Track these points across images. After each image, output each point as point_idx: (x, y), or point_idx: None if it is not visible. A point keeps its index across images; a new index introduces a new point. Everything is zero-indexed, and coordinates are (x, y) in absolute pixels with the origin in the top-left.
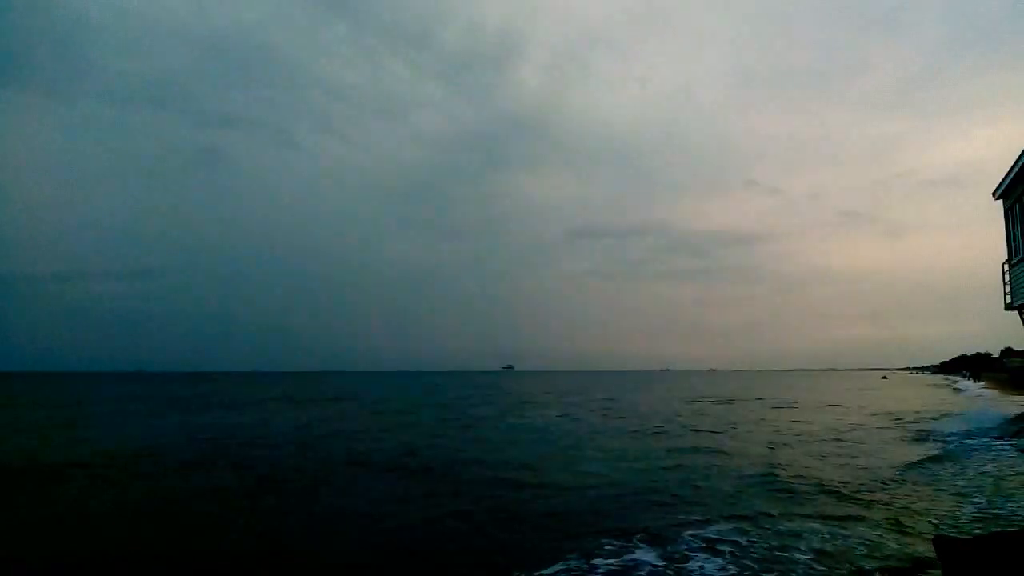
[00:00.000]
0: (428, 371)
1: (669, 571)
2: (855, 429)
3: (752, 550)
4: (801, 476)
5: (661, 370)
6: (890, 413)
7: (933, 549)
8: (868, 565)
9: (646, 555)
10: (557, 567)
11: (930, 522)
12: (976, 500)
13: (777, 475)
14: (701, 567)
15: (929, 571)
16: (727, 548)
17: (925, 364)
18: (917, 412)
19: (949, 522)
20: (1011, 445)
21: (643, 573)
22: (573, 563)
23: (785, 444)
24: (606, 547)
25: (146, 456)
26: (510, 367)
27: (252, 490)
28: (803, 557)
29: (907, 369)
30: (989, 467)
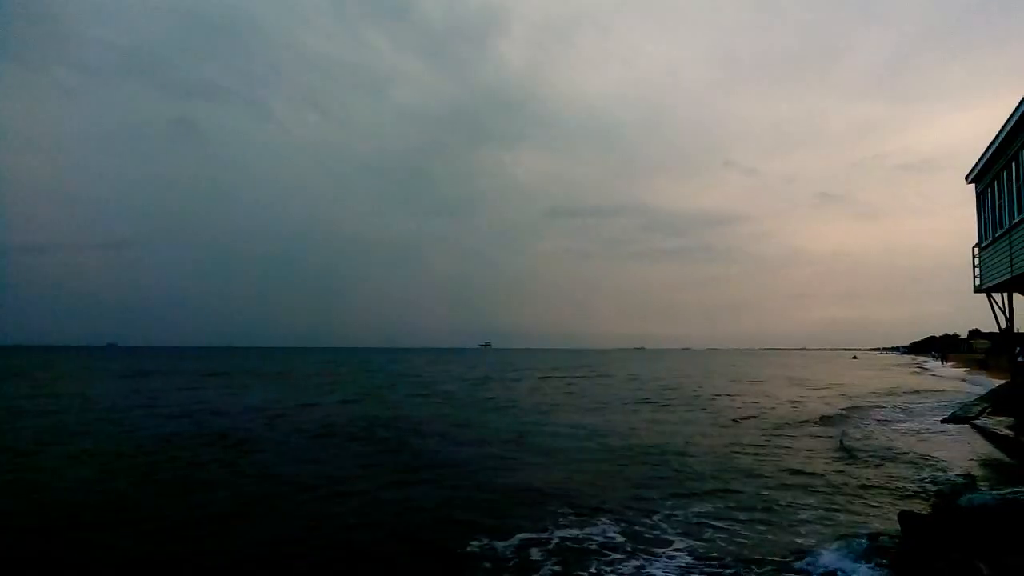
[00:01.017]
0: (405, 348)
1: (622, 540)
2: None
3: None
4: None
5: (636, 348)
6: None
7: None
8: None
9: (595, 526)
10: (520, 536)
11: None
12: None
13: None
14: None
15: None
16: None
17: (896, 345)
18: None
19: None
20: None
21: (596, 543)
22: (531, 533)
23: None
24: (565, 518)
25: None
26: (488, 344)
27: (223, 457)
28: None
29: (878, 349)
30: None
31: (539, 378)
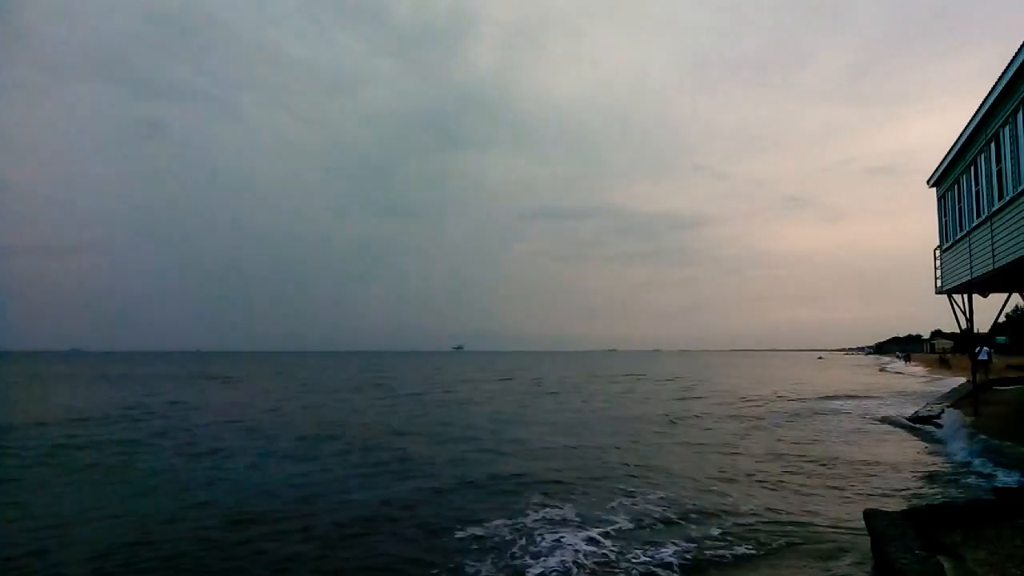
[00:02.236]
0: (377, 351)
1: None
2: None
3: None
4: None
5: (607, 351)
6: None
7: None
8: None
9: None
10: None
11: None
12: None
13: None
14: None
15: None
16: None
17: (861, 345)
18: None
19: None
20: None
21: (566, 530)
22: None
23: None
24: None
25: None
26: (460, 347)
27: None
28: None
29: (843, 350)
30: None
31: (500, 381)
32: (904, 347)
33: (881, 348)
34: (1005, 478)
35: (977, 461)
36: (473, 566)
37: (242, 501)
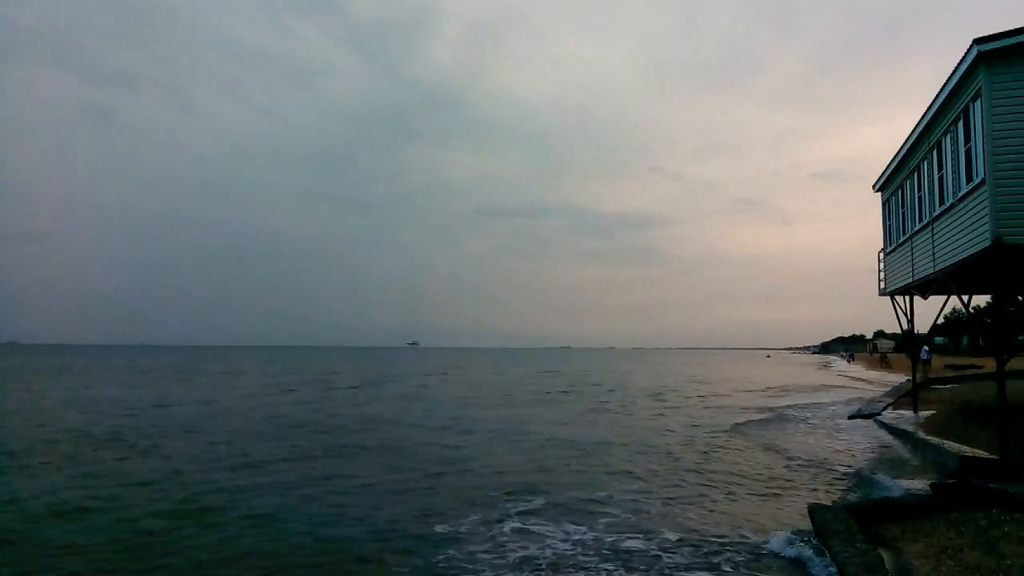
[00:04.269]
0: (331, 346)
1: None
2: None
3: None
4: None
5: (562, 348)
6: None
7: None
8: None
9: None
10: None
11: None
12: None
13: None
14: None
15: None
16: None
17: (808, 344)
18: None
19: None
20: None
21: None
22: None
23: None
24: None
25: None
26: (415, 343)
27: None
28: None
29: (791, 349)
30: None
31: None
32: (848, 346)
33: (826, 347)
34: (940, 473)
35: (913, 456)
36: None
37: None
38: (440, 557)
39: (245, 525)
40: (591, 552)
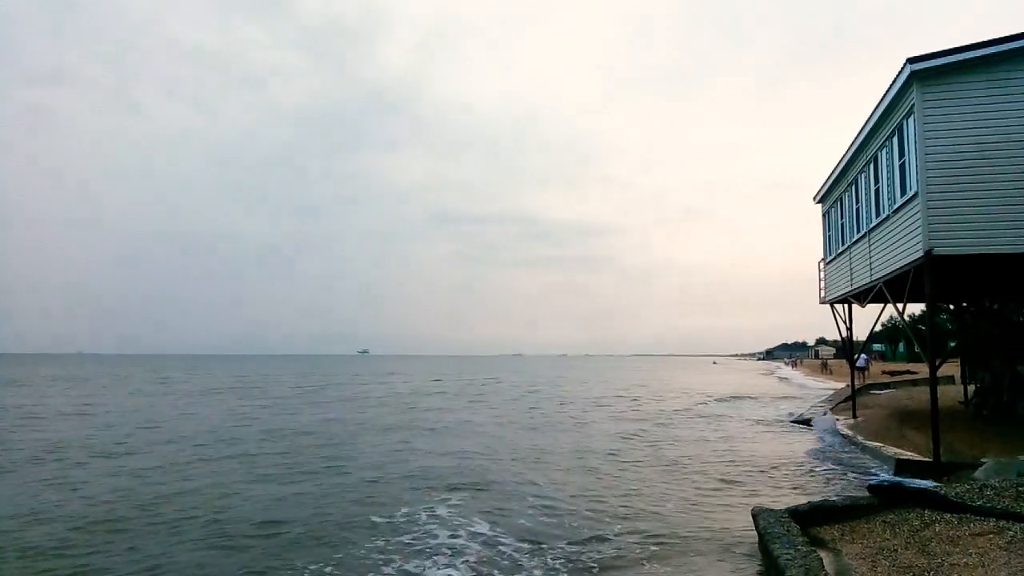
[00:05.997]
0: (274, 355)
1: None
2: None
3: None
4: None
5: (514, 355)
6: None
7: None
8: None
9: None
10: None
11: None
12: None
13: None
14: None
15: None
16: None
17: (753, 351)
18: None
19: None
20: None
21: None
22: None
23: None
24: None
25: None
26: (365, 351)
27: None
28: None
29: (737, 355)
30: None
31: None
32: (792, 353)
33: (771, 354)
34: (877, 476)
35: (852, 459)
36: None
37: None
38: None
39: None
40: None
